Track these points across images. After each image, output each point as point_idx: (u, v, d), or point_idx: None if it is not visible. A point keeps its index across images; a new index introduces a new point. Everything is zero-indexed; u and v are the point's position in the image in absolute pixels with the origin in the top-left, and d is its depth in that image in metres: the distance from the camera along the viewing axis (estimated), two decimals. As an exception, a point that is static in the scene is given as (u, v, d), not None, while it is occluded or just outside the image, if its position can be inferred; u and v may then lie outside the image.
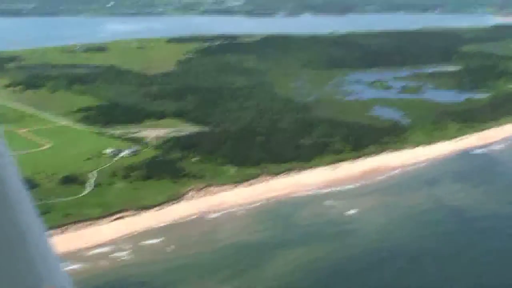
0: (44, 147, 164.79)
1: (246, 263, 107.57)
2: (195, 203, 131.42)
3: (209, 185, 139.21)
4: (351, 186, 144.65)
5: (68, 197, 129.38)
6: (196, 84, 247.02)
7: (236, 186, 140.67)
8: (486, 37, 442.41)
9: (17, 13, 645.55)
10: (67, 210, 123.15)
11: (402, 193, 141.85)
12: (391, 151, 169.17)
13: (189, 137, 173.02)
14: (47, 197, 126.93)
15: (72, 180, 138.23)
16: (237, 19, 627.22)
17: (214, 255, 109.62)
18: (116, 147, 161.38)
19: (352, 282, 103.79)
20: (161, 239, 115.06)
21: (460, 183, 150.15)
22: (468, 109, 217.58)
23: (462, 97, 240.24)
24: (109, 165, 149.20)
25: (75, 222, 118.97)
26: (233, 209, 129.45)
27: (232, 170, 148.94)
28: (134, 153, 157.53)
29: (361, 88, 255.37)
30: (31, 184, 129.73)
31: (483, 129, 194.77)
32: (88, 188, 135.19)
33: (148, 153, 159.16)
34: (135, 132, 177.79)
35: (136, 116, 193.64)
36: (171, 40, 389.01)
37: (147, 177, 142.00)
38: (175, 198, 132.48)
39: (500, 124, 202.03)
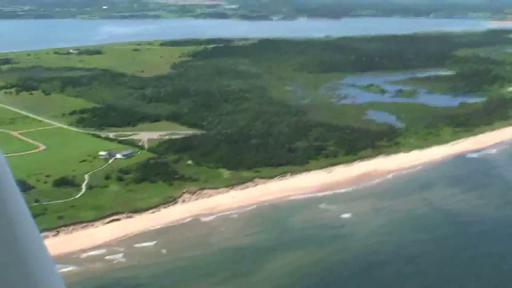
0: (38, 149, 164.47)
1: (240, 267, 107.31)
2: (189, 206, 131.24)
3: (203, 188, 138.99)
4: (345, 190, 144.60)
5: (62, 199, 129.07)
6: (190, 87, 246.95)
7: (230, 189, 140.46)
8: (481, 41, 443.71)
9: (12, 15, 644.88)
10: (61, 213, 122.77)
11: (396, 197, 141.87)
12: (386, 155, 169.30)
13: (184, 140, 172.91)
14: (41, 199, 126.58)
15: (66, 182, 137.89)
16: (232, 22, 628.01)
17: (208, 258, 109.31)
18: (111, 149, 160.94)
19: (347, 285, 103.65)
20: (155, 242, 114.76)
21: (454, 187, 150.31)
22: (462, 113, 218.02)
23: (456, 101, 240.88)
24: (103, 168, 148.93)
25: (69, 225, 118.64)
26: (227, 212, 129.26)
27: (226, 173, 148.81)
28: (129, 156, 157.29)
29: (355, 92, 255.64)
30: (25, 186, 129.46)
31: (477, 133, 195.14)
32: (82, 191, 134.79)
33: (142, 156, 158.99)
34: (130, 135, 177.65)
35: (131, 118, 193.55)
36: (166, 43, 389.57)
37: (141, 180, 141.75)
38: (169, 201, 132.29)
39: (495, 128, 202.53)
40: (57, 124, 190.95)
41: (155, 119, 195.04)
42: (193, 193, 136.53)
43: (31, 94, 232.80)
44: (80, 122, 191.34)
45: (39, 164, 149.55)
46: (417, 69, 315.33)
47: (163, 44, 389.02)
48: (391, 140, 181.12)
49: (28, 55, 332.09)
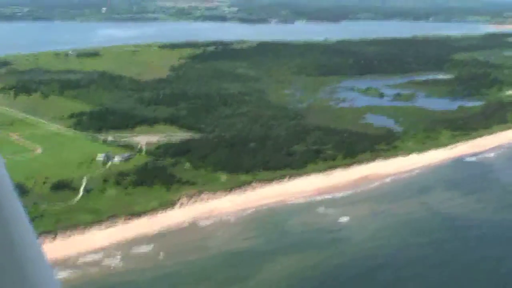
0: (36, 152, 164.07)
1: (238, 271, 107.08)
2: (187, 210, 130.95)
3: (201, 192, 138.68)
4: (343, 194, 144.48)
5: (59, 203, 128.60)
6: (189, 90, 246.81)
7: (228, 193, 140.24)
8: (479, 45, 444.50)
9: (10, 17, 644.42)
10: (58, 216, 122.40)
11: (394, 200, 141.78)
12: (384, 159, 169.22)
13: (182, 143, 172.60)
14: (38, 202, 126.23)
15: (63, 186, 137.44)
16: (231, 25, 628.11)
17: (205, 263, 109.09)
18: (108, 152, 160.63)
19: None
20: (152, 246, 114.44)
21: (452, 191, 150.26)
22: (460, 117, 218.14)
23: (454, 105, 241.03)
24: (101, 171, 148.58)
25: (66, 229, 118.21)
26: (225, 216, 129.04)
27: (224, 177, 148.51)
28: (126, 159, 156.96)
29: (354, 95, 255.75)
30: (22, 190, 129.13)
31: (475, 137, 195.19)
32: (80, 194, 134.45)
33: (140, 159, 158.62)
34: (128, 138, 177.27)
35: (129, 121, 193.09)
36: (165, 46, 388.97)
37: (139, 184, 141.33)
38: (167, 204, 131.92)
39: (493, 132, 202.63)
40: (55, 126, 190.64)
41: (153, 122, 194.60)
42: (191, 197, 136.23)
43: (29, 96, 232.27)
44: (78, 125, 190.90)
45: (37, 167, 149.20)
46: (415, 73, 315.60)
47: (162, 46, 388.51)
48: (389, 143, 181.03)
49: (27, 57, 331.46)
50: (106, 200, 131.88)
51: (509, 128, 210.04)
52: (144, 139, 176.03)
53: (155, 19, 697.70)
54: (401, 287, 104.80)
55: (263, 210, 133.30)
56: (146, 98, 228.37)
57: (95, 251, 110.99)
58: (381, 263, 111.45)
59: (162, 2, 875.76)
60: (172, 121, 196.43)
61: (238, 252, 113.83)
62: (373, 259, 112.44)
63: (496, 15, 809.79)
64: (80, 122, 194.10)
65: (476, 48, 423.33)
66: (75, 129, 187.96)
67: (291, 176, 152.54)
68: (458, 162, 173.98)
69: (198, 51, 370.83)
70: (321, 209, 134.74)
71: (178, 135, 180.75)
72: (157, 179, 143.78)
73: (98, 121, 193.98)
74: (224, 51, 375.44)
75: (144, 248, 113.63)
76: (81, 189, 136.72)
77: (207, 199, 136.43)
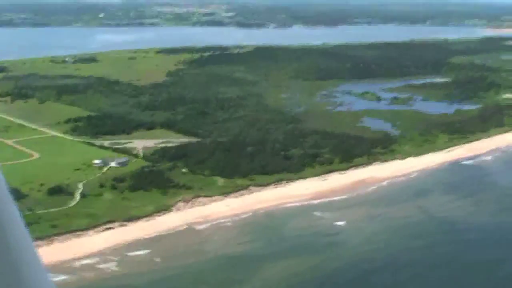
0: (33, 158, 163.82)
1: (235, 275, 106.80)
2: (183, 214, 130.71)
3: (198, 196, 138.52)
4: (340, 197, 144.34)
5: (55, 208, 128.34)
6: (186, 94, 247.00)
7: (225, 197, 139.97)
8: (476, 48, 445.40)
9: (8, 23, 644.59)
10: (54, 221, 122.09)
11: (391, 204, 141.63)
12: (381, 162, 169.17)
13: (179, 147, 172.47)
14: (34, 207, 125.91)
15: (60, 191, 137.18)
16: (228, 30, 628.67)
17: (202, 267, 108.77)
18: (105, 157, 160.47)
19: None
20: (148, 250, 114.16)
21: (449, 195, 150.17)
22: (457, 120, 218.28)
23: (452, 108, 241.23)
24: (97, 176, 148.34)
25: (62, 233, 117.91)
26: (222, 220, 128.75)
27: (221, 181, 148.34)
28: (123, 164, 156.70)
29: (351, 99, 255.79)
30: (19, 195, 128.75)
31: (472, 140, 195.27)
32: (76, 199, 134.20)
33: (137, 164, 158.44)
34: (124, 143, 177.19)
35: (126, 126, 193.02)
36: (162, 51, 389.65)
37: (136, 188, 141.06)
38: (164, 209, 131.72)
39: (490, 135, 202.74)
40: (52, 132, 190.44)
41: (150, 127, 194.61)
42: (188, 201, 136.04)
43: (26, 102, 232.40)
44: (75, 130, 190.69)
45: (33, 172, 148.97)
46: (413, 76, 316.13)
47: (159, 52, 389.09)
48: (386, 147, 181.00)
49: (24, 63, 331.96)
50: (102, 205, 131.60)
51: (506, 131, 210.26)
52: (141, 143, 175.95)
53: (152, 24, 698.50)
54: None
55: (260, 214, 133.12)
56: (143, 103, 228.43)
57: (91, 256, 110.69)
58: (378, 266, 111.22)
59: (159, 7, 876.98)
60: (169, 125, 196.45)
61: (235, 256, 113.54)
62: (370, 263, 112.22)
63: (494, 18, 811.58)
64: (77, 127, 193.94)
65: (474, 52, 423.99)
66: (71, 134, 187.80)
67: (288, 180, 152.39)
68: (455, 165, 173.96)
69: (196, 56, 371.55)
70: (318, 213, 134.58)
71: (175, 140, 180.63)
72: (153, 184, 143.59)
73: (95, 126, 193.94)
74: (221, 55, 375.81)
75: (140, 252, 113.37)
76: (78, 193, 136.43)
77: (204, 203, 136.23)
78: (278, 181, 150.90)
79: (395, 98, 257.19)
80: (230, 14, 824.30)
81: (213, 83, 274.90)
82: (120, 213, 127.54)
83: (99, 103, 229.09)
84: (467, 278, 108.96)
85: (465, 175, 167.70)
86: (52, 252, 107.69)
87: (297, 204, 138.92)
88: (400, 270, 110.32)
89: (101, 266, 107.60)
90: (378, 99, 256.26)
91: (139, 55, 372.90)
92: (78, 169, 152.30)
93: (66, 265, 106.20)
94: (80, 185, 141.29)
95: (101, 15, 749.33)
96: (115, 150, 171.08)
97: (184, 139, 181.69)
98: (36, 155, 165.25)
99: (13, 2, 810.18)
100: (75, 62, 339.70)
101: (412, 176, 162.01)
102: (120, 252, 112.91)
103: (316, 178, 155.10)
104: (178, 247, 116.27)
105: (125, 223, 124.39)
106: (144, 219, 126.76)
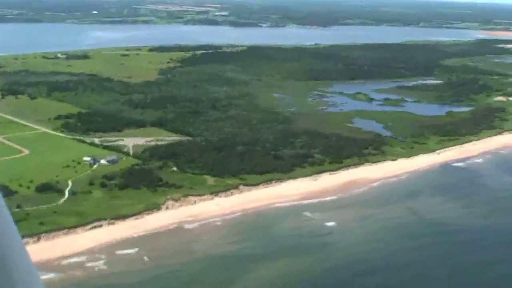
0: (22, 154, 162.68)
1: (224, 275, 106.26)
2: (173, 213, 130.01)
3: (188, 195, 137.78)
4: (331, 198, 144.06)
5: (44, 205, 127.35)
6: (177, 93, 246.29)
7: (215, 196, 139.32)
8: (469, 51, 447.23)
9: (1, 19, 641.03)
10: (42, 218, 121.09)
11: (382, 205, 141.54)
12: (372, 163, 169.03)
13: (169, 146, 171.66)
14: (23, 204, 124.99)
15: (49, 188, 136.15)
16: (222, 29, 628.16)
17: (191, 266, 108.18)
18: (95, 155, 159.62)
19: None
20: (137, 249, 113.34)
21: (440, 196, 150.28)
22: (449, 122, 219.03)
23: (443, 110, 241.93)
24: (87, 173, 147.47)
25: (50, 231, 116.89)
26: (211, 220, 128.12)
27: (211, 180, 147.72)
28: (113, 162, 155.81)
29: (343, 99, 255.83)
30: (7, 191, 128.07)
31: (463, 143, 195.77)
32: (65, 196, 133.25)
33: (127, 162, 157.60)
34: (115, 141, 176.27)
35: (117, 124, 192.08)
36: (155, 49, 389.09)
37: (125, 186, 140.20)
38: (153, 207, 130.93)
39: (481, 138, 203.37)
40: (42, 129, 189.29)
41: (141, 125, 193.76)
42: (177, 200, 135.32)
43: (17, 98, 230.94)
44: (66, 127, 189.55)
45: (22, 169, 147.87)
46: (405, 78, 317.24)
47: (152, 50, 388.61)
48: (377, 148, 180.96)
49: (16, 59, 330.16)
50: (91, 203, 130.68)
51: (497, 133, 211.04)
52: (131, 141, 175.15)
53: (146, 22, 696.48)
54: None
55: (250, 214, 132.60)
56: (134, 101, 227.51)
57: (79, 254, 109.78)
58: (367, 268, 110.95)
59: (153, 5, 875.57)
60: (160, 124, 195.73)
61: (224, 255, 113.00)
62: (359, 264, 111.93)
63: (486, 21, 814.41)
64: (68, 124, 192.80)
65: (466, 54, 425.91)
66: (62, 131, 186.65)
67: (279, 180, 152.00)
68: (446, 167, 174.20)
69: (188, 54, 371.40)
70: (308, 213, 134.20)
71: (166, 138, 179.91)
72: (143, 182, 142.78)
73: (85, 124, 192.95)
74: (214, 54, 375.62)
75: (129, 251, 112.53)
76: (67, 191, 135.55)
77: (194, 202, 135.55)
78: (268, 181, 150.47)
79: (387, 99, 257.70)
80: (224, 13, 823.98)
81: (205, 82, 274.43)
82: (109, 211, 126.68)
83: (90, 100, 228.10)
84: (457, 279, 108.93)
85: (456, 177, 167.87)
86: (39, 249, 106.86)
87: (287, 204, 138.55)
88: (390, 271, 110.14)
89: (89, 264, 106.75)
90: (370, 100, 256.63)
91: (132, 53, 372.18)
92: (67, 166, 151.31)
93: (54, 263, 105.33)
94: (70, 183, 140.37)
95: (95, 12, 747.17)
96: (105, 147, 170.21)
97: (175, 138, 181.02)
98: (26, 152, 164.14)
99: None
100: (67, 58, 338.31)
101: (403, 177, 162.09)
102: (108, 251, 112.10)
103: (306, 178, 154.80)
104: (167, 246, 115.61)
105: (114, 221, 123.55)
106: (133, 217, 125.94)
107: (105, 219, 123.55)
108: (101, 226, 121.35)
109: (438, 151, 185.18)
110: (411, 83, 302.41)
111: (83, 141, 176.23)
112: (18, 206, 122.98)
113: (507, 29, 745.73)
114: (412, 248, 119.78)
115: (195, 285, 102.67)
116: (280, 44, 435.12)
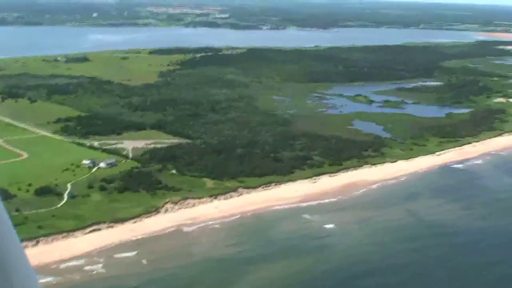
0: (21, 158, 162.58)
1: (223, 277, 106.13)
2: (171, 215, 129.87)
3: (186, 198, 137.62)
4: (330, 200, 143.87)
5: (43, 209, 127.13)
6: (177, 96, 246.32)
7: (213, 199, 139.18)
8: (469, 52, 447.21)
9: (1, 22, 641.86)
10: (41, 222, 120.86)
11: (381, 207, 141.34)
12: (371, 165, 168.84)
13: (168, 149, 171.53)
14: (21, 208, 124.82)
15: (48, 191, 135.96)
16: (222, 31, 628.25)
17: (189, 269, 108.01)
18: (95, 158, 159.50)
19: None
20: (135, 252, 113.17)
21: (439, 198, 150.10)
22: (448, 124, 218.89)
23: (443, 112, 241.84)
24: (86, 177, 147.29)
25: (49, 234, 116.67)
26: (210, 222, 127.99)
27: (210, 182, 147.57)
28: (112, 165, 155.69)
29: (343, 101, 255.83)
30: (6, 195, 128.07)
31: (463, 144, 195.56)
32: (64, 200, 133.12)
33: (126, 165, 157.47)
34: (114, 144, 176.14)
35: (116, 127, 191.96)
36: (155, 52, 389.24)
37: (124, 189, 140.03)
38: (152, 210, 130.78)
39: (481, 139, 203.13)
40: (42, 132, 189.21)
41: (141, 127, 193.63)
42: (176, 202, 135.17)
43: (16, 101, 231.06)
44: (65, 131, 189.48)
45: (21, 172, 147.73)
46: (405, 80, 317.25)
47: (152, 52, 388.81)
48: (377, 150, 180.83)
49: (16, 62, 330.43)
50: (90, 206, 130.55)
51: (497, 135, 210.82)
52: (130, 144, 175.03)
53: (146, 24, 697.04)
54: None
55: (249, 216, 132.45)
56: (134, 104, 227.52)
57: (78, 257, 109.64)
58: (367, 269, 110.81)
59: (153, 8, 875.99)
60: (159, 126, 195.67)
61: (223, 258, 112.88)
62: (359, 266, 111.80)
63: (486, 23, 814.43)
64: (67, 127, 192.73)
65: (466, 56, 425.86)
66: (61, 134, 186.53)
67: (278, 182, 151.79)
68: (446, 169, 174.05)
69: (188, 57, 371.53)
70: (307, 216, 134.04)
71: (165, 141, 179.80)
72: (142, 185, 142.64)
73: (85, 127, 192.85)
74: (214, 57, 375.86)
75: (128, 254, 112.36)
76: (66, 194, 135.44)
77: (192, 205, 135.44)
78: (267, 183, 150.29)
79: (387, 101, 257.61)
80: (224, 15, 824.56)
81: (205, 85, 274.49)
82: (107, 215, 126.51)
83: (90, 103, 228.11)
84: (456, 281, 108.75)
85: (455, 178, 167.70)
86: (38, 253, 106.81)
87: (286, 206, 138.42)
88: (389, 273, 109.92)
89: (87, 268, 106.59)
90: (370, 102, 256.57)
91: (132, 56, 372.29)
92: (66, 170, 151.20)
93: (52, 267, 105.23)
94: (69, 186, 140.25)
95: (95, 15, 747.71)
96: (104, 150, 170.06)
97: (174, 141, 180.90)
98: (25, 155, 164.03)
99: (6, 0, 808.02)
100: (67, 61, 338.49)
101: (402, 179, 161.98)
102: (107, 254, 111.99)
103: (306, 180, 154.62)
104: (165, 249, 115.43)
105: (112, 224, 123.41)
106: (132, 220, 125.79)
107: (104, 222, 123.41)
108: (100, 229, 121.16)
109: (437, 153, 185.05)
110: (411, 85, 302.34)
111: (83, 144, 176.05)
112: (17, 210, 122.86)
113: (507, 31, 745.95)
114: (412, 250, 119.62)
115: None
116: (280, 46, 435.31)
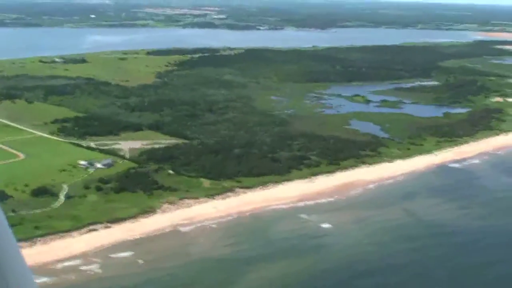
0: (18, 158, 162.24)
1: (220, 277, 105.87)
2: (168, 216, 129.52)
3: (183, 198, 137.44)
4: (327, 200, 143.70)
5: (39, 209, 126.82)
6: (174, 96, 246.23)
7: (211, 199, 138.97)
8: (467, 52, 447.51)
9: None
10: (38, 223, 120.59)
11: (378, 207, 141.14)
12: (369, 165, 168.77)
13: (165, 149, 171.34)
14: (18, 209, 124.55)
15: (44, 192, 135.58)
16: (219, 32, 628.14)
17: (186, 269, 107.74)
18: (91, 159, 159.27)
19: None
20: (132, 252, 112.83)
21: (437, 198, 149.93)
22: (446, 123, 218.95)
23: (440, 111, 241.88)
24: (83, 177, 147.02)
25: (45, 235, 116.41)
26: (208, 222, 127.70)
27: (207, 183, 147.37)
28: (109, 165, 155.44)
29: (340, 102, 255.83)
30: (2, 196, 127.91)
31: (460, 144, 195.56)
32: (60, 200, 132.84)
33: (123, 165, 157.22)
34: (111, 144, 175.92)
35: (113, 128, 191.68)
36: (152, 53, 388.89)
37: (121, 190, 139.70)
38: (149, 211, 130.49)
39: (478, 139, 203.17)
40: (39, 133, 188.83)
41: (138, 128, 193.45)
42: (173, 203, 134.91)
43: (13, 102, 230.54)
44: (62, 131, 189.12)
45: (18, 173, 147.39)
46: (403, 80, 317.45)
47: (149, 53, 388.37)
48: (374, 150, 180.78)
49: (13, 63, 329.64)
50: (87, 207, 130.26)
51: (495, 135, 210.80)
52: (128, 145, 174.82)
53: (143, 25, 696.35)
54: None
55: (246, 216, 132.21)
56: (131, 105, 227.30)
57: (74, 258, 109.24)
58: (365, 269, 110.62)
59: (151, 9, 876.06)
60: (156, 127, 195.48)
61: (220, 258, 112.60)
62: (357, 265, 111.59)
63: (484, 23, 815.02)
64: (64, 128, 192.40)
65: (464, 55, 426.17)
66: (58, 135, 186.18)
67: (275, 182, 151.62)
68: (443, 168, 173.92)
69: (185, 57, 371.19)
70: (304, 216, 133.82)
71: (163, 142, 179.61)
72: (139, 185, 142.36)
73: (82, 127, 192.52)
74: (211, 57, 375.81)
75: (124, 255, 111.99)
76: (62, 195, 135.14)
77: (190, 205, 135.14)
78: (264, 183, 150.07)
79: (385, 101, 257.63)
80: (221, 16, 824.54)
81: (203, 85, 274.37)
82: (104, 215, 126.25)
83: (87, 104, 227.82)
84: (455, 281, 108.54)
85: (453, 178, 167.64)
86: (34, 253, 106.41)
87: (284, 206, 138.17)
88: (388, 273, 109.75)
89: (83, 268, 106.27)
90: (368, 102, 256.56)
91: (129, 56, 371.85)
92: (63, 170, 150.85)
93: (48, 267, 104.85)
94: (65, 186, 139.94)
95: (93, 16, 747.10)
96: (102, 151, 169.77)
97: (171, 141, 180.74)
98: (21, 156, 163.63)
99: (3, 1, 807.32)
100: (64, 62, 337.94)
101: (399, 179, 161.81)
102: (103, 254, 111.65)
103: (303, 180, 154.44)
104: (162, 249, 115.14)
105: (109, 224, 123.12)
106: (129, 221, 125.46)
107: (100, 222, 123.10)
108: (96, 229, 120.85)
109: (435, 153, 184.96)
110: (409, 85, 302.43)
111: (80, 145, 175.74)
112: (13, 211, 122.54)
113: (504, 30, 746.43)
114: (411, 249, 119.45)
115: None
116: (278, 46, 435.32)
